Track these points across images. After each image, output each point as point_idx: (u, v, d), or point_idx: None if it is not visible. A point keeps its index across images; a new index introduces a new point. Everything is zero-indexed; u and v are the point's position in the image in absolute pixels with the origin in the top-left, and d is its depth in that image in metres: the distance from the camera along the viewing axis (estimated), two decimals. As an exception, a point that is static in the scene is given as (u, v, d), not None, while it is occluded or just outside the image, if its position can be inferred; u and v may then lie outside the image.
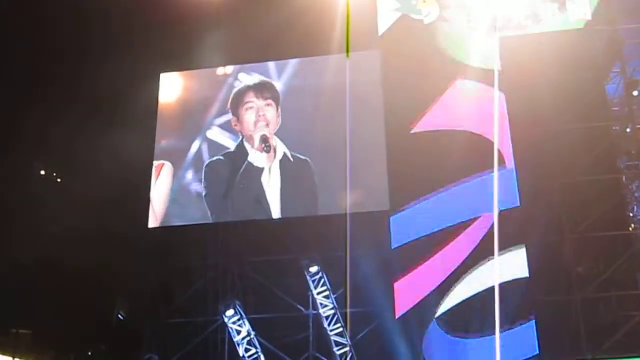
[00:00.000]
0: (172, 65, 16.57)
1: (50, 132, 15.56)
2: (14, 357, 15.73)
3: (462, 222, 13.98)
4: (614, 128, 14.99)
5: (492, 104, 13.92)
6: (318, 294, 15.11)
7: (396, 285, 14.05)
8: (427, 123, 14.67)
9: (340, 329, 14.95)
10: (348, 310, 14.14)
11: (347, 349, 14.86)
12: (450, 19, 15.13)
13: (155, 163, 15.98)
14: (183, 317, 15.46)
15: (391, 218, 14.42)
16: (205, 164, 15.78)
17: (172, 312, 15.56)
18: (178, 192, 15.83)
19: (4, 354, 15.80)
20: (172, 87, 16.61)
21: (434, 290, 13.91)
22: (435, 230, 14.05)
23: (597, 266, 14.10)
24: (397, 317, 13.98)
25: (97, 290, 15.66)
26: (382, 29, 15.40)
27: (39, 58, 16.07)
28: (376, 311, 14.50)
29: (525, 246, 13.59)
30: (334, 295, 15.03)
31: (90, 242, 15.05)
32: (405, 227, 14.28)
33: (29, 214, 15.51)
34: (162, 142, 16.19)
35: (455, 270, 13.83)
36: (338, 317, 15.01)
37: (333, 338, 15.00)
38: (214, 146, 15.86)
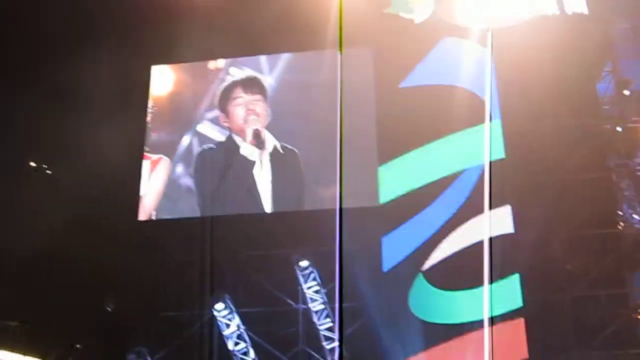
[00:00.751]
0: (164, 58, 16.39)
1: (40, 124, 15.44)
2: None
3: (448, 175, 14.20)
4: (605, 126, 15.05)
5: (479, 60, 13.90)
6: (308, 288, 15.13)
7: (384, 239, 14.19)
8: (414, 79, 14.85)
9: (330, 324, 14.97)
10: (337, 305, 14.01)
11: (336, 343, 14.89)
12: (444, 15, 15.10)
13: (154, 157, 15.88)
14: (172, 310, 15.37)
15: (379, 169, 14.58)
16: (197, 152, 15.69)
17: (162, 306, 15.46)
18: (168, 186, 15.74)
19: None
20: (163, 80, 16.47)
21: (421, 244, 14.07)
22: (423, 183, 14.24)
23: (587, 264, 14.19)
24: (385, 270, 14.14)
25: (86, 284, 15.57)
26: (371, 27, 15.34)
27: (26, 48, 15.89)
28: (366, 305, 14.48)
29: (511, 205, 13.80)
30: (324, 290, 15.05)
31: (79, 236, 14.93)
32: (393, 179, 14.46)
33: (19, 207, 15.37)
34: (153, 135, 16.08)
35: (443, 224, 14.01)
36: (328, 312, 15.05)
37: (322, 333, 15.05)
38: (205, 140, 15.78)
